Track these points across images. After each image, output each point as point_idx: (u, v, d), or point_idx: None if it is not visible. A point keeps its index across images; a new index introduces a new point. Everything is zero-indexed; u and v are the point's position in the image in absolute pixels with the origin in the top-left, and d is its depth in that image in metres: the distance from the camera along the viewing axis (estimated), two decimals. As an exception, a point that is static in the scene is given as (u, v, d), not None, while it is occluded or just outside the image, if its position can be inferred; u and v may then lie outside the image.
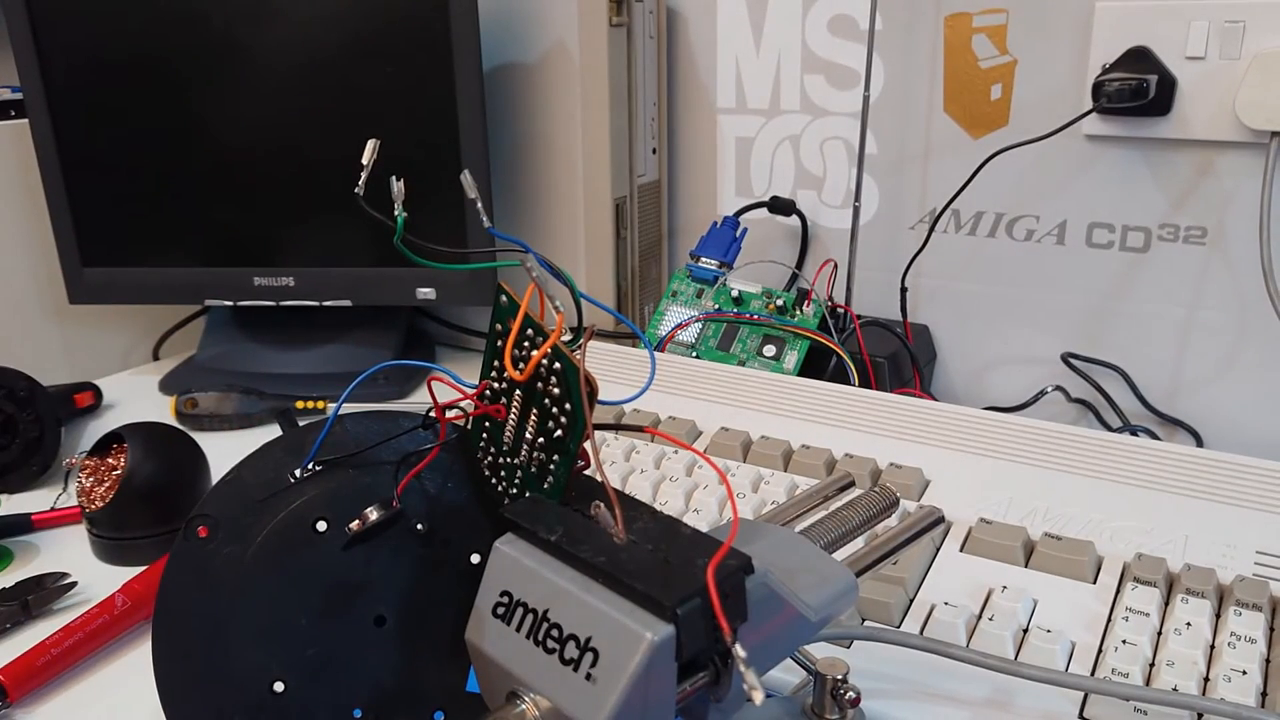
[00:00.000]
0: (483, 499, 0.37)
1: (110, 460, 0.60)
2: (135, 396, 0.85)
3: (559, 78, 0.82)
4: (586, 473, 0.32)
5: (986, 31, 0.75)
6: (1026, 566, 0.48)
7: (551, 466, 0.32)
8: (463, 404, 0.36)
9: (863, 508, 0.36)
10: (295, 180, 0.83)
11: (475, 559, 0.37)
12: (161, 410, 0.80)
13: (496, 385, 0.34)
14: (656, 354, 0.76)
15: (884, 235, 0.83)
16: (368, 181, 0.33)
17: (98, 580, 0.57)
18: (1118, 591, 0.45)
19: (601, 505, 0.27)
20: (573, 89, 0.82)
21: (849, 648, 0.43)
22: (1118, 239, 0.74)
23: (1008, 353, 0.81)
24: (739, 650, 0.23)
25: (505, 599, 0.27)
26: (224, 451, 0.52)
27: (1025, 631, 0.43)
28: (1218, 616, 0.43)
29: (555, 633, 0.25)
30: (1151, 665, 0.41)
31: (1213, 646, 0.42)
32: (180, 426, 0.68)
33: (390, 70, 0.79)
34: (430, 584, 0.37)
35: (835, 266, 0.81)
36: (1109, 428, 0.75)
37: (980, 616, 0.44)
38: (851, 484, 0.40)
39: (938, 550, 0.49)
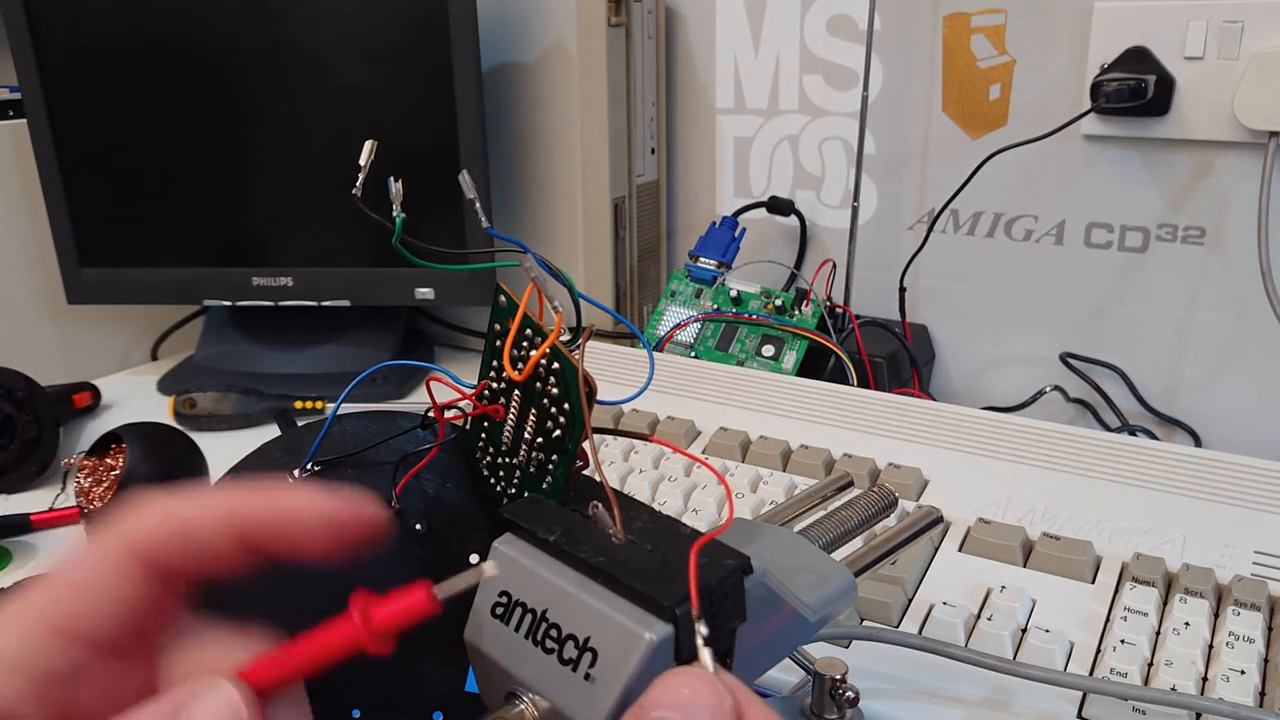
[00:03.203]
0: (481, 499, 0.37)
1: (109, 460, 0.60)
2: (134, 396, 0.85)
3: (557, 78, 0.82)
4: (585, 473, 0.32)
5: (985, 31, 0.75)
6: (1025, 566, 0.48)
7: (550, 466, 0.32)
8: (461, 404, 0.36)
9: (861, 508, 0.36)
10: (294, 180, 0.83)
11: (474, 559, 0.36)
12: (160, 410, 0.80)
13: (495, 385, 0.34)
14: (655, 354, 0.76)
15: (882, 235, 0.83)
16: (365, 182, 0.33)
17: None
18: (1116, 591, 0.45)
19: (600, 505, 0.27)
20: (571, 89, 0.82)
21: (848, 647, 0.43)
22: (1116, 239, 0.74)
23: (1006, 353, 0.81)
24: (701, 628, 0.23)
25: (504, 599, 0.27)
26: (222, 452, 0.52)
27: (1024, 631, 0.43)
28: (1216, 616, 0.43)
29: (554, 632, 0.25)
30: (1150, 665, 0.41)
31: (1211, 646, 0.42)
32: (179, 426, 0.67)
33: (389, 70, 0.79)
34: (429, 584, 0.37)
35: (834, 266, 0.81)
36: (1107, 428, 0.75)
37: (979, 616, 0.44)
38: (850, 484, 0.40)
39: (936, 550, 0.49)
